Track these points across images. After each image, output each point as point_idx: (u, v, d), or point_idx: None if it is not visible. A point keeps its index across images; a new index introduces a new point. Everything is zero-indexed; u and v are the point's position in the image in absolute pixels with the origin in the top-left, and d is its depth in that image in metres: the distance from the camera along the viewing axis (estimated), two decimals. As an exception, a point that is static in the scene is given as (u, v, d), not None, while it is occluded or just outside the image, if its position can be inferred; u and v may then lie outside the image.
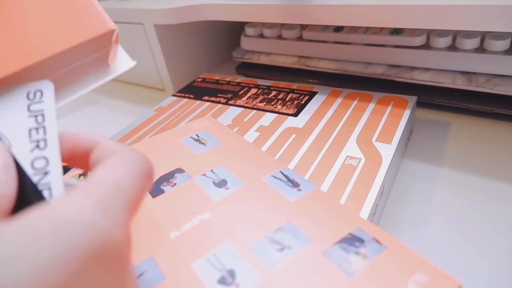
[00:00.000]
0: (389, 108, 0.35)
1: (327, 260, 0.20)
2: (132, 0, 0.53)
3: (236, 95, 0.43)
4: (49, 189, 0.15)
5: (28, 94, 0.17)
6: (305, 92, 0.41)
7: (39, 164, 0.15)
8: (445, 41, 0.37)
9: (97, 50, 0.23)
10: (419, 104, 0.41)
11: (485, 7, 0.28)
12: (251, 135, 0.34)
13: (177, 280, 0.20)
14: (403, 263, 0.19)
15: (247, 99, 0.41)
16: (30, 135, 0.16)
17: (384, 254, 0.20)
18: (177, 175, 0.28)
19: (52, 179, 0.15)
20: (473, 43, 0.35)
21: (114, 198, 0.13)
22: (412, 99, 0.36)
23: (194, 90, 0.46)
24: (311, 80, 0.48)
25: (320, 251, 0.20)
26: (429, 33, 0.39)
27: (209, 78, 0.49)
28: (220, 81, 0.47)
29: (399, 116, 0.33)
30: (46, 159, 0.15)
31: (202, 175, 0.28)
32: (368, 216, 0.24)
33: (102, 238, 0.12)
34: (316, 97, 0.39)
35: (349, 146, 0.31)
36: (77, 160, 0.17)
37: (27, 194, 0.14)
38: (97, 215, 0.12)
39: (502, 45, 0.34)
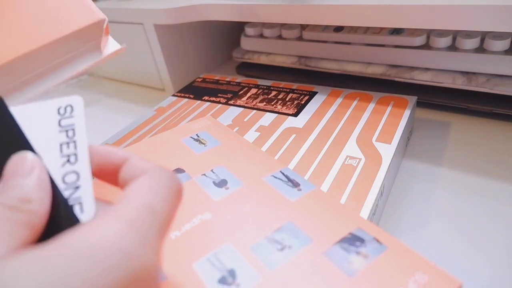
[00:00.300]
0: (389, 108, 0.35)
1: (327, 260, 0.20)
2: (132, 0, 0.53)
3: (236, 95, 0.43)
4: (80, 204, 0.15)
5: (59, 109, 0.17)
6: (305, 92, 0.41)
7: (70, 178, 0.15)
8: (445, 41, 0.37)
9: (89, 40, 0.24)
10: (419, 104, 0.41)
11: (485, 7, 0.28)
12: (251, 135, 0.34)
13: (178, 280, 0.20)
14: (403, 263, 0.19)
15: (247, 99, 0.41)
16: (61, 150, 0.16)
17: (384, 254, 0.20)
18: (177, 175, 0.28)
19: (83, 194, 0.15)
20: (473, 43, 0.35)
21: (149, 222, 0.13)
22: (412, 99, 0.36)
23: (194, 90, 0.46)
24: (311, 80, 0.48)
25: (321, 251, 0.20)
26: (429, 33, 0.39)
27: (209, 78, 0.49)
28: (220, 81, 0.47)
29: (399, 116, 0.33)
30: (77, 173, 0.16)
31: (202, 175, 0.28)
32: (368, 216, 0.24)
33: (139, 266, 0.12)
34: (316, 97, 0.39)
35: (349, 146, 0.31)
36: (106, 176, 0.17)
37: (58, 210, 0.14)
38: (134, 242, 0.12)
39: (502, 45, 0.34)
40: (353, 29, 0.43)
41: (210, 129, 0.34)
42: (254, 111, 0.38)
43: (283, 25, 0.48)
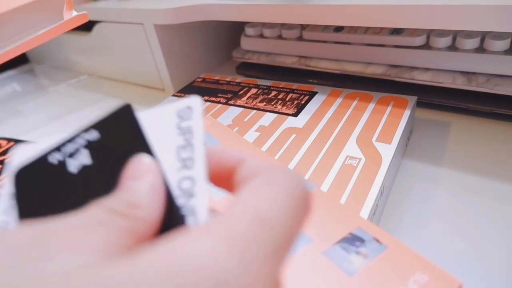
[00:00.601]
0: (389, 108, 0.35)
1: (327, 259, 0.20)
2: (132, 0, 0.53)
3: (236, 95, 0.43)
4: (194, 214, 0.13)
5: (178, 112, 0.16)
6: (305, 92, 0.41)
7: (185, 185, 0.14)
8: (445, 41, 0.37)
9: (51, 11, 0.25)
10: (419, 104, 0.41)
11: (485, 7, 0.28)
12: (251, 135, 0.34)
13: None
14: (403, 263, 0.19)
15: (247, 99, 0.41)
16: (178, 154, 0.15)
17: (384, 254, 0.20)
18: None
19: (197, 203, 0.13)
20: (473, 43, 0.35)
21: (259, 239, 0.10)
22: (412, 99, 0.36)
23: (194, 90, 0.46)
24: (311, 80, 0.48)
25: (321, 250, 0.20)
26: (429, 33, 0.39)
27: (209, 78, 0.49)
28: (220, 81, 0.47)
29: (399, 116, 0.33)
30: (193, 179, 0.14)
31: (202, 175, 0.28)
32: (368, 216, 0.24)
33: None
34: (316, 97, 0.39)
35: (349, 146, 0.31)
36: (221, 181, 0.15)
37: (170, 219, 0.13)
38: (235, 266, 0.09)
39: (502, 45, 0.34)
40: (353, 29, 0.43)
41: (210, 129, 0.34)
42: (254, 111, 0.38)
43: (283, 25, 0.48)
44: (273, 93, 0.42)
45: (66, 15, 0.28)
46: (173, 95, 0.46)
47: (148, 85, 0.60)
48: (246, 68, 0.54)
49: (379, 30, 0.41)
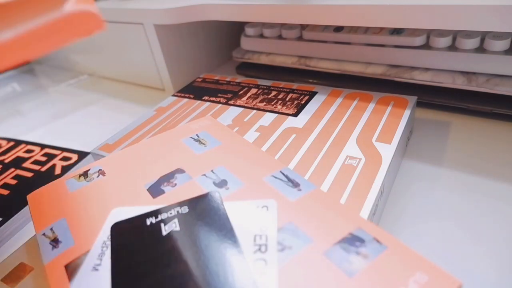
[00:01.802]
0: (389, 108, 0.35)
1: (327, 260, 0.20)
2: (132, 0, 0.53)
3: (236, 95, 0.43)
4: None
5: (257, 207, 0.23)
6: (305, 92, 0.41)
7: (258, 264, 0.19)
8: (445, 41, 0.37)
9: (53, 4, 0.25)
10: (419, 104, 0.41)
11: (485, 7, 0.28)
12: (251, 135, 0.34)
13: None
14: (403, 263, 0.19)
15: (247, 99, 0.41)
16: (254, 240, 0.20)
17: (384, 254, 0.20)
18: (177, 175, 0.28)
19: (266, 280, 0.17)
20: (473, 43, 0.35)
21: None
22: (412, 99, 0.36)
23: (194, 90, 0.46)
24: (311, 80, 0.48)
25: (321, 251, 0.20)
26: (429, 33, 0.39)
27: (209, 78, 0.49)
28: (220, 81, 0.47)
29: (399, 116, 0.34)
30: (265, 261, 0.19)
31: (202, 175, 0.28)
32: (368, 216, 0.24)
33: None
34: (316, 97, 0.39)
35: (349, 146, 0.31)
36: None
37: None
38: None
39: (502, 45, 0.34)
40: (353, 29, 0.43)
41: (210, 129, 0.34)
42: (254, 111, 0.38)
43: (283, 25, 0.48)
44: (273, 93, 0.42)
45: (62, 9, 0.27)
46: (173, 95, 0.46)
47: (148, 85, 0.60)
48: (246, 68, 0.54)
49: (379, 30, 0.41)
